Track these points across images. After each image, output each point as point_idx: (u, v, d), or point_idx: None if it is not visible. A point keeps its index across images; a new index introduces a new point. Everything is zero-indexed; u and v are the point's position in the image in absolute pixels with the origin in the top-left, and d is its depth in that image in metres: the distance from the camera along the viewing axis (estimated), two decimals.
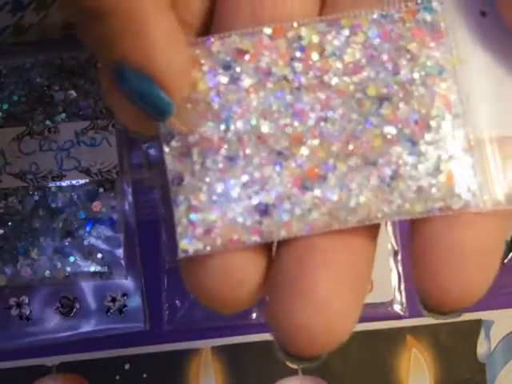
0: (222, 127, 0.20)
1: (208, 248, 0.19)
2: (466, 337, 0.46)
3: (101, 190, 0.44)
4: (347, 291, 0.19)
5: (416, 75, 0.20)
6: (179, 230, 0.19)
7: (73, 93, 0.44)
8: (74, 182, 0.44)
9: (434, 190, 0.19)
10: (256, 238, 0.19)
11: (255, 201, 0.19)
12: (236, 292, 0.19)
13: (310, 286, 0.18)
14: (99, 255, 0.43)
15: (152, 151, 0.45)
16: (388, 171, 0.19)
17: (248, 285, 0.19)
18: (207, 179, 0.19)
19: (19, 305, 0.44)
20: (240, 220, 0.19)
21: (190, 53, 0.20)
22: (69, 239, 0.43)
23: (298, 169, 0.19)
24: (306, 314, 0.18)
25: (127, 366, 0.45)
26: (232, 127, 0.20)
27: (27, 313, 0.44)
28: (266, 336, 0.45)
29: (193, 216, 0.19)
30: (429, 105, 0.19)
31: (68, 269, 0.43)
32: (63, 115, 0.44)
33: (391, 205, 0.19)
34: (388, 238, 0.44)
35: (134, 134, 0.21)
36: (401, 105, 0.19)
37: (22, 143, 0.44)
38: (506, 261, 0.46)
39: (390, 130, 0.19)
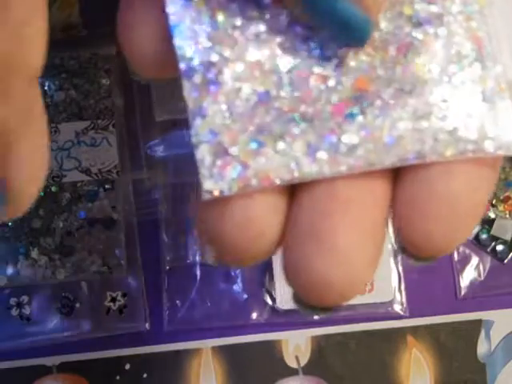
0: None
1: (235, 189, 0.18)
2: (466, 337, 0.46)
3: (101, 190, 0.44)
4: (367, 241, 0.18)
5: (449, 9, 0.19)
6: (202, 170, 0.18)
7: (73, 93, 0.44)
8: (74, 182, 0.44)
9: (466, 131, 0.19)
10: (293, 176, 0.18)
11: (297, 132, 0.18)
12: (256, 243, 0.19)
13: (330, 236, 0.18)
14: (99, 255, 0.43)
15: (152, 151, 0.45)
16: (423, 106, 0.19)
17: (269, 235, 0.19)
18: (236, 112, 0.18)
19: (19, 305, 0.44)
20: (275, 157, 0.18)
21: None
22: (69, 239, 0.43)
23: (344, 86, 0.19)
24: (326, 264, 0.18)
25: (127, 366, 0.45)
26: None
27: (27, 313, 0.44)
28: (266, 336, 0.45)
29: (218, 154, 0.18)
30: (461, 42, 0.19)
31: (68, 269, 0.43)
32: (63, 115, 0.44)
33: (424, 145, 0.18)
34: (388, 238, 0.44)
35: (142, 79, 0.21)
36: (435, 35, 0.19)
37: None
38: (505, 261, 0.46)
39: (426, 58, 0.19)
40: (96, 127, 0.44)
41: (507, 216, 0.46)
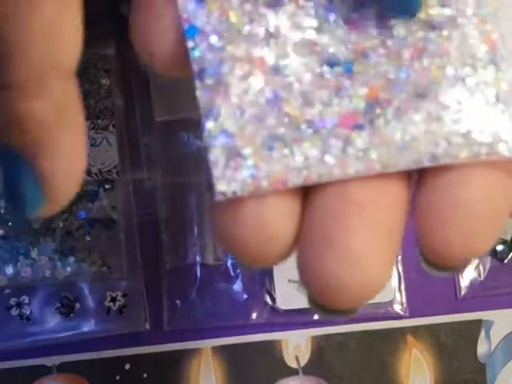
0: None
1: (248, 190, 0.18)
2: (466, 337, 0.46)
3: (101, 190, 0.44)
4: (382, 244, 0.18)
5: (463, 12, 0.19)
6: (215, 172, 0.18)
7: None
8: None
9: (480, 134, 0.19)
10: (305, 179, 0.18)
11: (306, 137, 0.19)
12: (270, 246, 0.19)
13: (344, 238, 0.18)
14: (99, 255, 0.43)
15: (152, 151, 0.45)
16: (437, 109, 0.19)
17: (282, 237, 0.19)
18: (249, 116, 0.19)
19: (19, 305, 0.44)
20: (288, 159, 0.18)
21: None
22: (69, 239, 0.43)
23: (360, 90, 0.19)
24: (340, 266, 0.18)
25: (127, 366, 0.45)
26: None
27: (27, 313, 0.44)
28: (266, 336, 0.45)
29: (230, 155, 0.18)
30: (475, 44, 0.19)
31: (68, 269, 0.43)
32: None
33: (437, 148, 0.19)
34: None
35: (161, 78, 0.21)
36: (449, 38, 0.19)
37: None
38: (505, 261, 0.46)
39: (441, 62, 0.19)
40: (96, 127, 0.44)
41: None
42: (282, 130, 0.19)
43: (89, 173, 0.44)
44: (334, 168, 0.18)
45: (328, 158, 0.18)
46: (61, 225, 0.43)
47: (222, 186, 0.18)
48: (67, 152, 0.19)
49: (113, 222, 0.44)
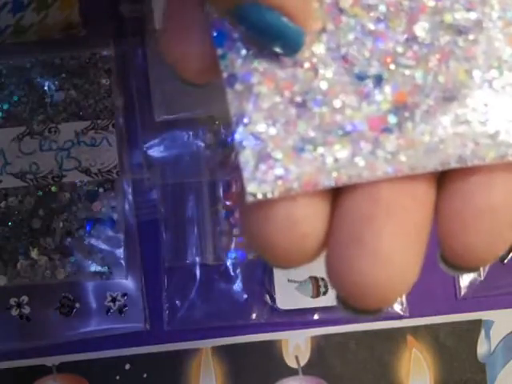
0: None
1: (278, 191, 0.18)
2: (466, 337, 0.46)
3: (101, 190, 0.44)
4: (410, 244, 0.19)
5: (488, 15, 0.19)
6: (246, 174, 0.19)
7: (73, 93, 0.44)
8: (74, 182, 0.44)
9: (507, 135, 0.19)
10: (335, 180, 0.19)
11: (336, 140, 0.19)
12: (300, 245, 0.19)
13: (373, 239, 0.18)
14: (99, 255, 0.44)
15: (152, 151, 0.45)
16: (464, 111, 0.19)
17: (313, 238, 0.19)
18: (278, 119, 0.19)
19: (19, 305, 0.44)
20: (317, 161, 0.19)
21: None
22: (69, 239, 0.43)
23: (385, 98, 0.19)
24: (369, 266, 0.18)
25: (127, 366, 0.45)
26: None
27: (27, 313, 0.44)
28: (266, 336, 0.45)
29: (261, 158, 0.19)
30: (501, 47, 0.19)
31: (68, 269, 0.43)
32: (63, 115, 0.44)
33: (465, 149, 0.19)
34: None
35: (187, 85, 0.21)
36: (475, 41, 0.19)
37: (22, 143, 0.44)
38: (505, 261, 0.46)
39: (467, 65, 0.19)
40: (96, 127, 0.44)
41: None
42: (312, 133, 0.19)
43: (89, 173, 0.44)
44: (364, 170, 0.19)
45: (358, 160, 0.19)
46: (61, 225, 0.44)
47: (252, 188, 0.19)
48: None
49: (113, 221, 0.44)
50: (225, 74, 0.19)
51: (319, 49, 0.19)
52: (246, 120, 0.19)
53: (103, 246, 0.44)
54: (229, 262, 0.45)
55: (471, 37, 0.19)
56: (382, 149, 0.19)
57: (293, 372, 0.45)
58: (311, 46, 0.19)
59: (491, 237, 0.19)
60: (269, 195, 0.19)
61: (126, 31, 0.45)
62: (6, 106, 0.44)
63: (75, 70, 0.44)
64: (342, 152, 0.19)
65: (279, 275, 0.44)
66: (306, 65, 0.19)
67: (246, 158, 0.19)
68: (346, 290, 0.19)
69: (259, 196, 0.19)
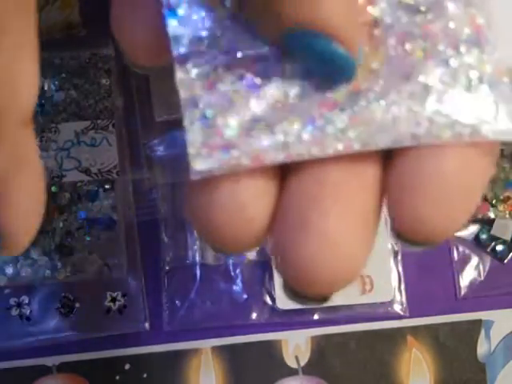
0: None
1: (225, 167, 0.18)
2: (466, 337, 0.46)
3: (101, 190, 0.44)
4: (358, 227, 0.18)
5: None
6: (191, 150, 0.18)
7: (73, 93, 0.44)
8: (74, 182, 0.44)
9: (463, 115, 0.18)
10: (284, 156, 0.18)
11: (286, 116, 0.18)
12: (246, 229, 0.18)
13: (319, 221, 0.18)
14: (99, 255, 0.43)
15: (152, 151, 0.45)
16: (419, 89, 0.19)
17: (258, 221, 0.18)
18: (229, 97, 0.18)
19: (19, 305, 0.44)
20: (267, 137, 0.18)
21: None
22: (69, 239, 0.43)
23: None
24: (315, 250, 0.18)
25: (127, 366, 0.45)
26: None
27: (27, 313, 0.44)
28: (266, 336, 0.45)
29: (209, 134, 0.18)
30: (460, 27, 0.19)
31: (68, 269, 0.43)
32: (63, 115, 0.44)
33: (419, 127, 0.18)
34: (388, 238, 0.44)
35: (139, 69, 0.20)
36: (434, 20, 0.19)
37: None
38: (505, 261, 0.46)
39: (425, 44, 0.19)
40: (96, 127, 0.44)
41: (507, 216, 0.46)
42: (262, 111, 0.18)
43: (89, 173, 0.44)
44: (313, 146, 0.18)
45: (307, 136, 0.18)
46: (61, 225, 0.44)
47: (197, 164, 0.18)
48: (24, 201, 0.18)
49: (113, 221, 0.44)
50: (175, 52, 0.19)
51: None
52: (195, 99, 0.18)
53: (103, 246, 0.44)
54: (229, 262, 0.45)
55: (430, 16, 0.19)
56: (332, 125, 0.18)
57: (293, 372, 0.45)
58: None
59: (442, 207, 0.18)
60: (215, 172, 0.18)
61: None
62: None
63: (75, 70, 0.44)
64: (291, 128, 0.18)
65: (279, 275, 0.44)
66: (265, 49, 0.19)
67: (193, 133, 0.18)
68: (291, 275, 0.18)
69: (205, 173, 0.18)
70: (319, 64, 0.18)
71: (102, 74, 0.44)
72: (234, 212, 0.18)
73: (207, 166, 0.18)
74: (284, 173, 0.19)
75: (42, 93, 0.44)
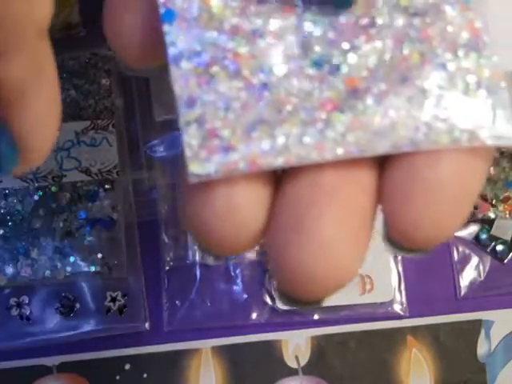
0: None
1: (223, 172, 0.18)
2: (466, 337, 0.46)
3: (101, 190, 0.44)
4: (353, 232, 0.18)
5: None
6: (188, 152, 0.18)
7: (73, 93, 0.44)
8: (74, 182, 0.44)
9: (461, 120, 0.18)
10: (283, 161, 0.18)
11: (286, 120, 0.18)
12: (239, 233, 0.18)
13: (314, 226, 0.18)
14: (99, 255, 0.43)
15: (152, 151, 0.45)
16: (417, 93, 0.18)
17: (252, 225, 0.18)
18: (227, 99, 0.18)
19: (19, 305, 0.44)
20: (266, 141, 0.18)
21: None
22: (69, 239, 0.43)
23: (337, 80, 0.18)
24: (309, 255, 0.17)
25: (127, 366, 0.45)
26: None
27: (27, 313, 0.44)
28: (266, 336, 0.45)
29: (206, 137, 0.18)
30: (457, 31, 0.19)
31: (68, 269, 0.43)
32: (63, 115, 0.44)
33: (417, 132, 0.18)
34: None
35: (132, 71, 0.20)
36: (431, 24, 0.19)
37: None
38: (505, 261, 0.46)
39: (422, 47, 0.19)
40: (96, 127, 0.44)
41: (507, 216, 0.46)
42: (260, 113, 0.18)
43: (89, 173, 0.44)
44: (313, 151, 0.18)
45: (307, 140, 0.18)
46: (61, 225, 0.43)
47: (195, 168, 0.18)
48: (41, 112, 0.18)
49: (113, 221, 0.44)
50: (170, 52, 0.18)
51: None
52: (191, 99, 0.18)
53: (103, 246, 0.44)
54: (229, 262, 0.45)
55: (428, 20, 0.19)
56: (332, 129, 0.18)
57: (293, 372, 0.45)
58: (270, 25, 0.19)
59: (438, 213, 0.18)
60: (213, 176, 0.18)
61: None
62: None
63: (75, 70, 0.44)
64: (291, 131, 0.18)
65: None
66: (263, 44, 0.19)
67: (190, 136, 0.18)
68: (285, 279, 0.18)
69: (202, 176, 0.18)
70: None
71: (102, 73, 0.44)
72: (226, 215, 0.18)
73: (205, 169, 0.18)
74: (279, 176, 0.19)
75: None
